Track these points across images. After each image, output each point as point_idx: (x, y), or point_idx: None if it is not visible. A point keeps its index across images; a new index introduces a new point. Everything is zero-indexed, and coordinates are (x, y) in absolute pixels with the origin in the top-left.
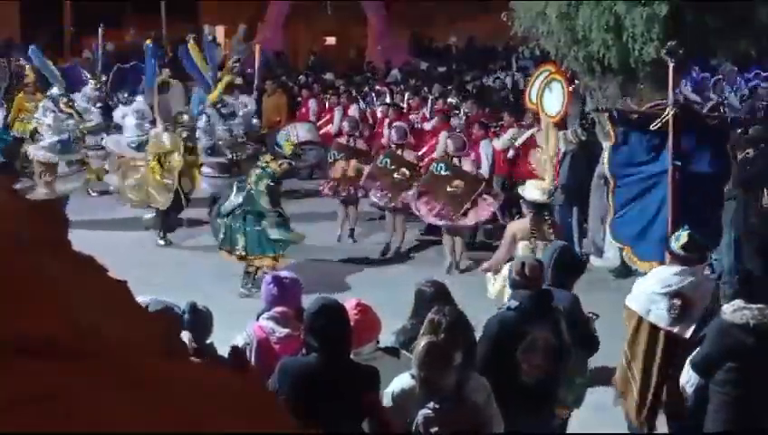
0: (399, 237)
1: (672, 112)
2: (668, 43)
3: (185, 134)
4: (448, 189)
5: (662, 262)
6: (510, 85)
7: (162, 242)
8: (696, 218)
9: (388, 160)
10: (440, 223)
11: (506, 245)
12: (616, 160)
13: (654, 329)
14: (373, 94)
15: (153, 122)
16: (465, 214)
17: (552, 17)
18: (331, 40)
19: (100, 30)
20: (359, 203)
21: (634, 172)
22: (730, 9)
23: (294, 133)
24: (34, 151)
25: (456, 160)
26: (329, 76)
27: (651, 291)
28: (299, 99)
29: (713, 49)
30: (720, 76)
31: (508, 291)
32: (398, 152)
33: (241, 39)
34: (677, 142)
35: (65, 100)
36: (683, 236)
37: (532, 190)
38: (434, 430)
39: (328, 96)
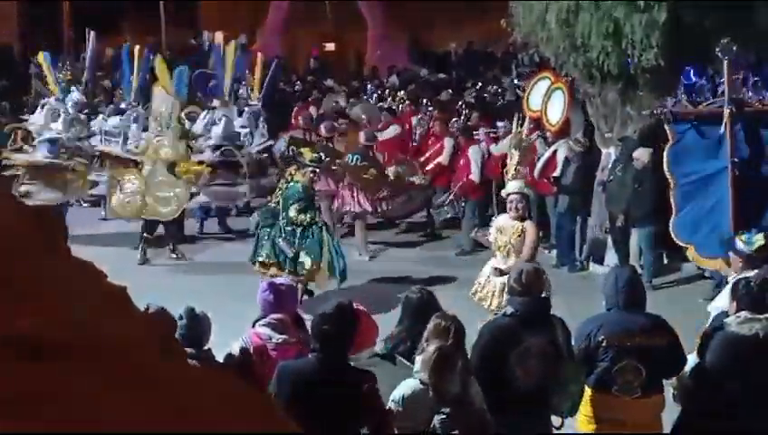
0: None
1: (729, 110)
2: (721, 42)
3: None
4: (364, 176)
5: (726, 259)
6: (510, 91)
7: (140, 259)
8: (757, 215)
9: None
10: (369, 209)
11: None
12: (674, 160)
13: None
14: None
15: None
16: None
17: (551, 23)
18: (330, 45)
19: (91, 34)
20: None
21: (693, 171)
22: (729, 14)
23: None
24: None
25: (370, 152)
26: (329, 82)
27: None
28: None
29: (711, 54)
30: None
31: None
32: (330, 145)
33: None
34: (734, 140)
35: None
36: (758, 238)
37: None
38: (455, 432)
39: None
